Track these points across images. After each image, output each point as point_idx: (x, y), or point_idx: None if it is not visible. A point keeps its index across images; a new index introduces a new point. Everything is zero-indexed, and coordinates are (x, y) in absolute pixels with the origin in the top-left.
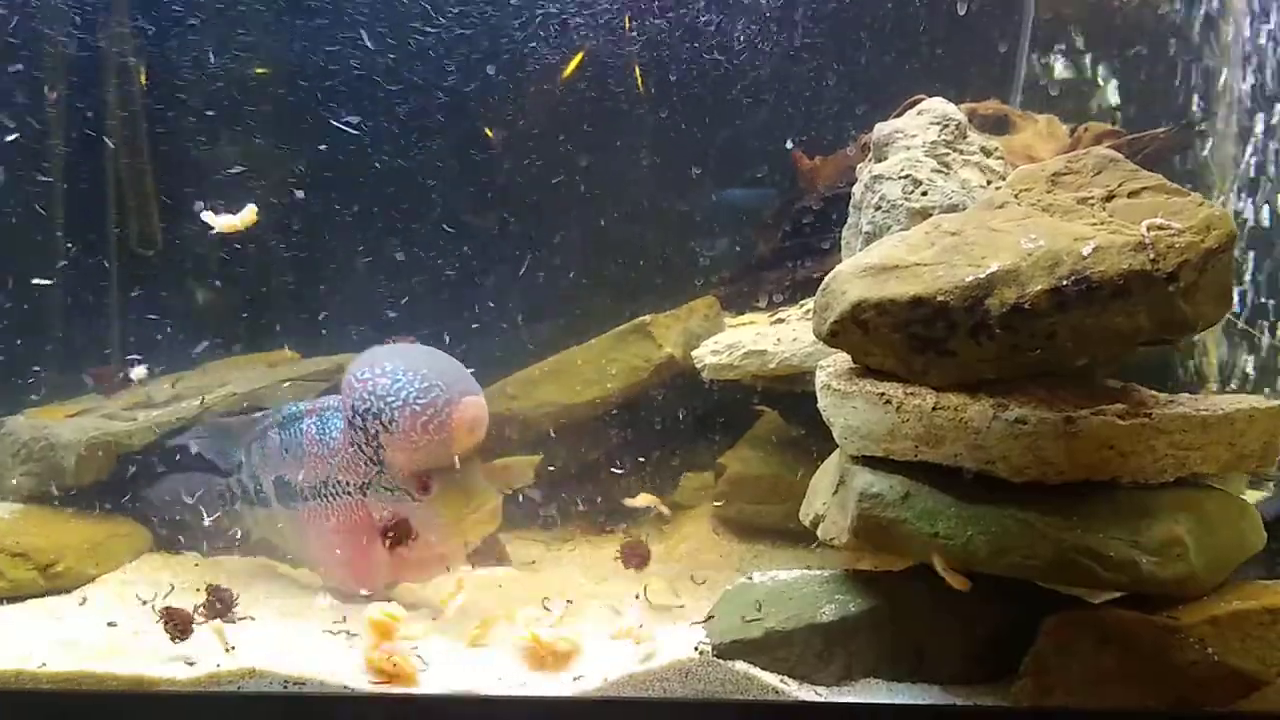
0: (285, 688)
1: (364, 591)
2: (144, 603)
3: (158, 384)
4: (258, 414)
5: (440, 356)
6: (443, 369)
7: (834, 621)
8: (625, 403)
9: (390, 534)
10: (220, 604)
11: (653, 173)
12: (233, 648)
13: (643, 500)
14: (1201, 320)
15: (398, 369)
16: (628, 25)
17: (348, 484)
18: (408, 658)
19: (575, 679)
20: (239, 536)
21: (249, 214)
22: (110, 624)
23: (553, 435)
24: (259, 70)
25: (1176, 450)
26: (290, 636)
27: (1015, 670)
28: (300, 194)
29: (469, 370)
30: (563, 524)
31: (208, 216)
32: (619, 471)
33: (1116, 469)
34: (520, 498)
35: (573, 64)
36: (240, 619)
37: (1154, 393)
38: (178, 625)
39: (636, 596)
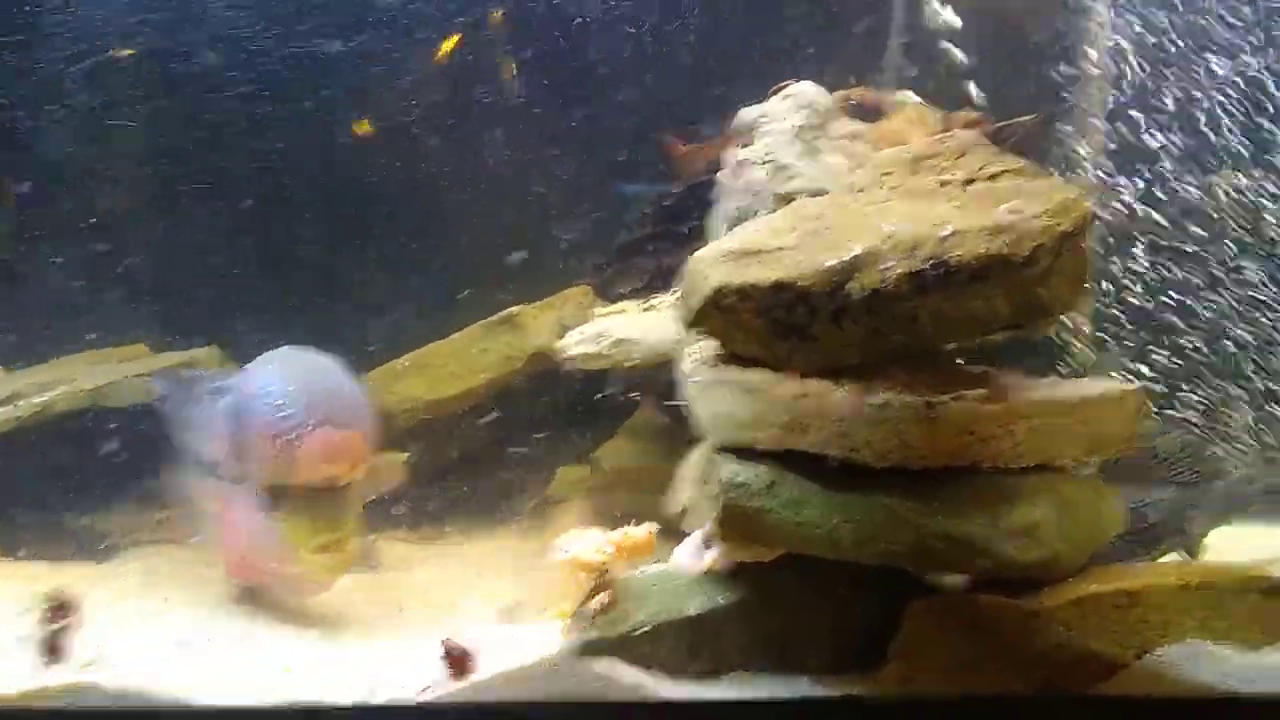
0: (117, 703)
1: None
2: None
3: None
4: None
5: (328, 376)
6: (320, 389)
7: (701, 615)
8: (495, 396)
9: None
10: (60, 613)
11: (518, 160)
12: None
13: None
14: (1059, 304)
15: (272, 379)
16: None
17: (227, 471)
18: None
19: (423, 690)
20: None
21: None
22: None
23: (418, 431)
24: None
25: (1036, 435)
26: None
27: (885, 658)
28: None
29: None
30: (432, 523)
31: None
32: (490, 465)
33: (977, 453)
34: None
35: (446, 47)
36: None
37: (1016, 376)
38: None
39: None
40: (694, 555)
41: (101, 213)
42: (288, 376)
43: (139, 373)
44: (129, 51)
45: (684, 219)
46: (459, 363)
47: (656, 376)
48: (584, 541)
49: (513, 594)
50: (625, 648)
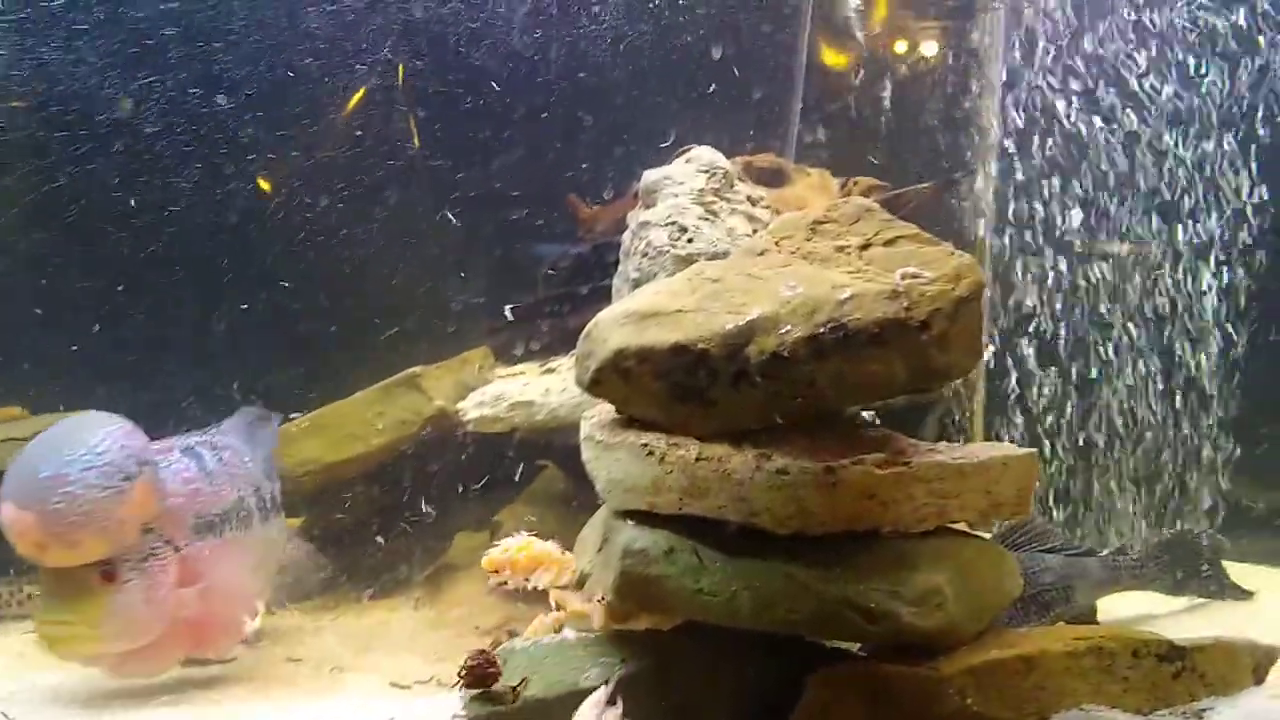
0: None
1: None
2: None
3: None
4: None
5: (43, 445)
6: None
7: (598, 686)
8: (394, 459)
9: None
10: None
11: (417, 220)
12: None
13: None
14: (954, 369)
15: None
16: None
17: None
18: None
19: None
20: None
21: None
22: None
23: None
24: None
25: (935, 499)
26: None
27: None
28: None
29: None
30: (325, 591)
31: None
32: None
33: (878, 518)
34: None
35: (352, 102)
36: None
37: (913, 441)
38: None
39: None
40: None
41: None
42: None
43: (10, 436)
44: None
45: (586, 280)
46: (357, 424)
47: (562, 439)
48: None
49: (406, 664)
50: None
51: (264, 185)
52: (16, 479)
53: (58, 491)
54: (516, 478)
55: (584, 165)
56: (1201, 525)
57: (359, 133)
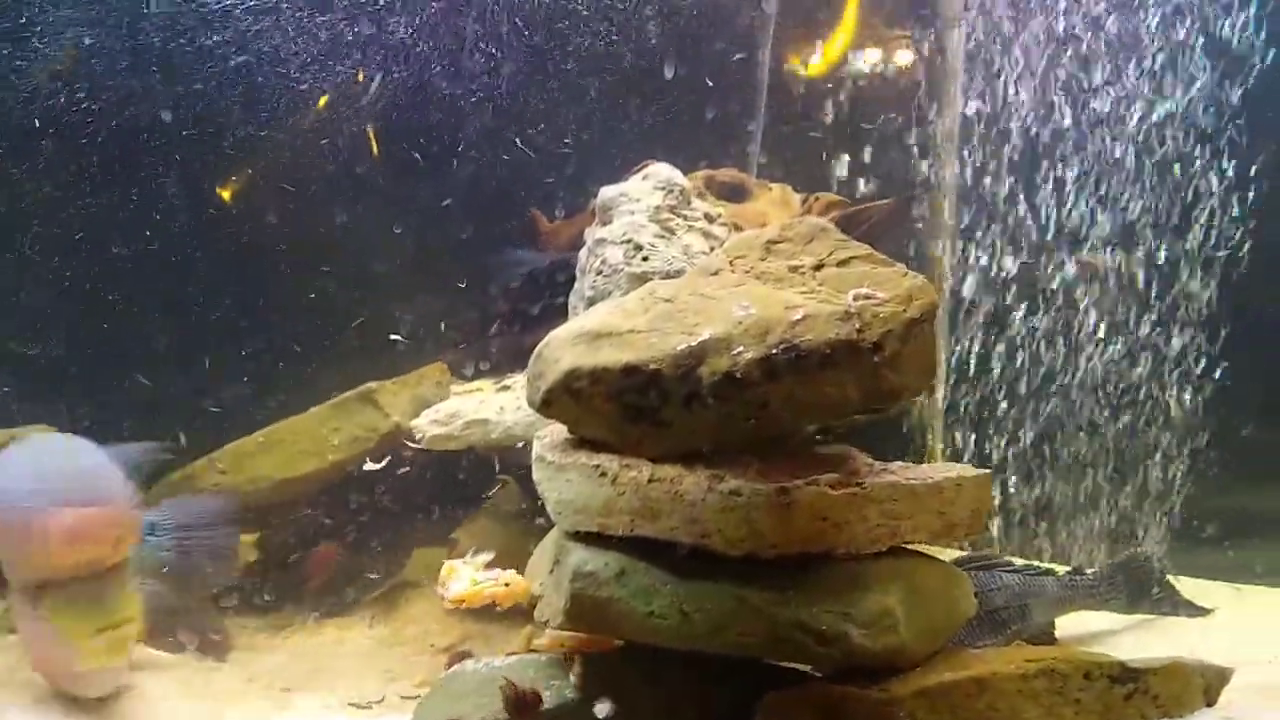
0: None
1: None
2: None
3: None
4: None
5: (68, 456)
6: (54, 472)
7: (550, 710)
8: (349, 475)
9: None
10: None
11: (371, 233)
12: None
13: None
14: (907, 390)
15: (5, 463)
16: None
17: None
18: None
19: None
20: None
21: None
22: None
23: (268, 511)
24: None
25: (889, 519)
26: None
27: None
28: None
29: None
30: (280, 608)
31: None
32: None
33: (831, 540)
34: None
35: (310, 116)
36: None
37: (868, 461)
38: None
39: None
40: None
41: None
42: (17, 460)
43: None
44: None
45: (541, 297)
46: (311, 440)
47: (517, 458)
48: (459, 580)
49: (360, 683)
50: None
51: (222, 194)
52: (64, 484)
53: (118, 488)
54: (474, 494)
55: (545, 180)
56: (1155, 544)
57: (319, 144)
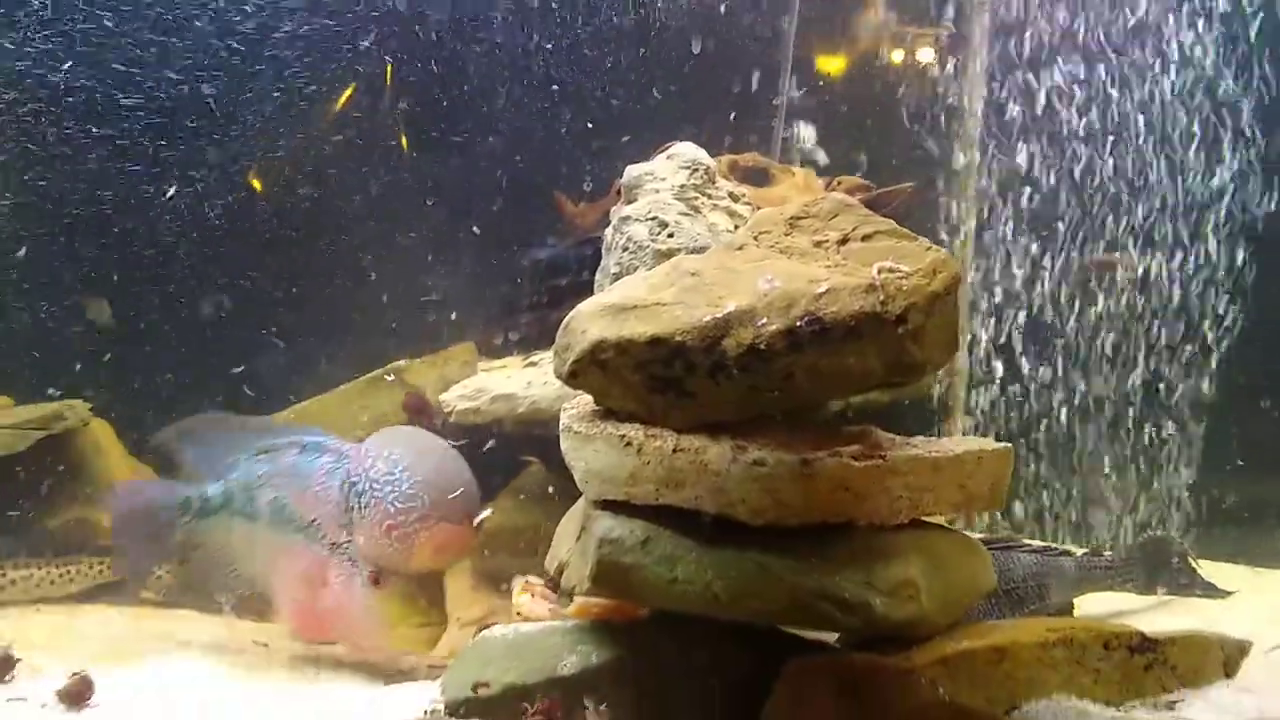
0: None
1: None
2: None
3: None
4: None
5: (451, 465)
6: (442, 482)
7: (575, 674)
8: None
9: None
10: None
11: (403, 213)
12: None
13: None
14: (930, 363)
15: (399, 463)
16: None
17: (325, 535)
18: None
19: None
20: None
21: None
22: None
23: None
24: None
25: (910, 491)
26: None
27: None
28: None
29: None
30: None
31: None
32: None
33: (853, 510)
34: None
35: (342, 98)
36: None
37: (890, 435)
38: None
39: None
40: None
41: None
42: (413, 466)
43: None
44: None
45: (569, 275)
46: (340, 417)
47: (544, 432)
48: (534, 604)
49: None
50: (496, 707)
51: (254, 182)
52: (445, 500)
53: (475, 505)
54: (501, 471)
55: (569, 161)
56: (1174, 528)
57: (348, 128)
